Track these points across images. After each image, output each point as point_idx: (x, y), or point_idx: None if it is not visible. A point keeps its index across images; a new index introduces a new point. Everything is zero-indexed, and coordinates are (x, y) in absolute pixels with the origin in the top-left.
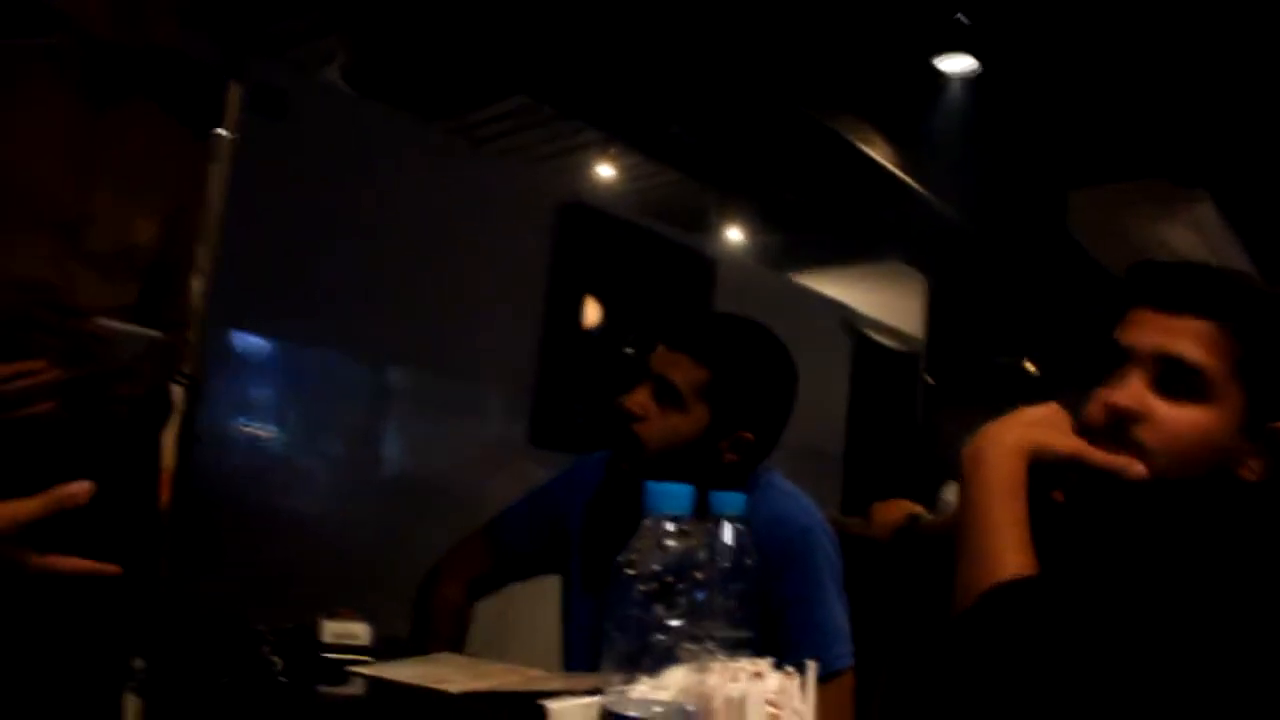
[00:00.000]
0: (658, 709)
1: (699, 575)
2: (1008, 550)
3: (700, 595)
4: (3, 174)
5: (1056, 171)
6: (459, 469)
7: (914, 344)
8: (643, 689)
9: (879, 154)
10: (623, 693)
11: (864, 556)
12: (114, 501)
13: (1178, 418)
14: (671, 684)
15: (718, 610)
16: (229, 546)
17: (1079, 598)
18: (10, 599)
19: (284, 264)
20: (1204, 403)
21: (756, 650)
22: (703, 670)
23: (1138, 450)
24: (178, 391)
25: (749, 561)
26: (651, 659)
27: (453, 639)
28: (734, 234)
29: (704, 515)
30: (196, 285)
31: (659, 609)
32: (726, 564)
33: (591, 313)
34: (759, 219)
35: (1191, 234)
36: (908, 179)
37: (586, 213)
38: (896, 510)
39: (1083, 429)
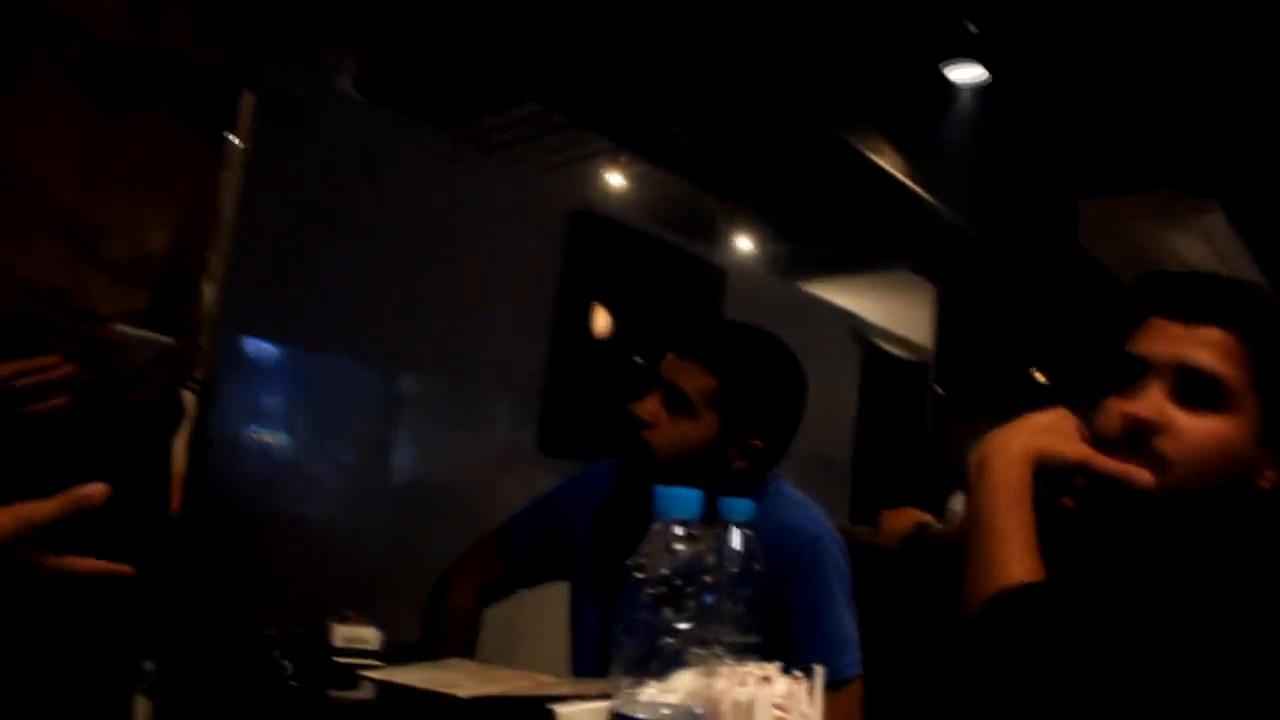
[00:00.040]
0: (666, 712)
1: (707, 579)
2: (1014, 557)
3: (709, 599)
4: (17, 179)
5: (1067, 181)
6: (468, 476)
7: (923, 353)
8: (651, 692)
9: (889, 163)
10: (631, 696)
11: (873, 565)
12: (126, 506)
13: (1198, 428)
14: (680, 687)
15: (726, 615)
16: (239, 551)
17: (1086, 605)
18: (23, 599)
19: (295, 270)
20: (1223, 413)
21: (765, 656)
22: (711, 674)
23: (1157, 462)
24: (189, 397)
25: (757, 567)
26: (660, 662)
27: (463, 645)
28: (743, 243)
29: (712, 521)
30: (208, 291)
31: (668, 613)
32: (735, 569)
33: (601, 321)
34: (768, 228)
35: (1202, 244)
36: (917, 188)
37: (596, 221)
38: (905, 519)
39: (1096, 440)
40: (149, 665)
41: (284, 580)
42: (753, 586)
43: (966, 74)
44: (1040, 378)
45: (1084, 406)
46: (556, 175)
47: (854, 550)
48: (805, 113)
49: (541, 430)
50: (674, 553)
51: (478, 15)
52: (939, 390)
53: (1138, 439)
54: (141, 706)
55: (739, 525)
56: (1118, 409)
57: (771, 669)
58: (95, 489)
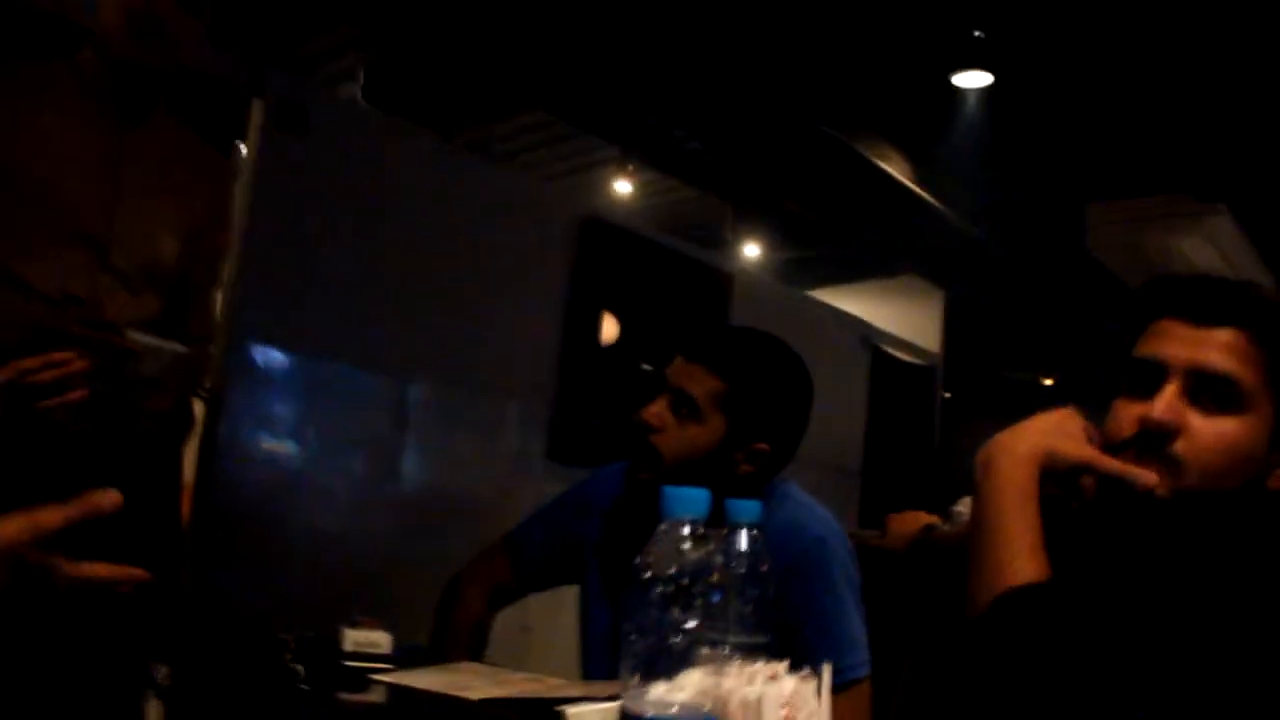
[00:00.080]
0: (674, 710)
1: (715, 579)
2: (1019, 557)
3: (716, 598)
4: (34, 189)
5: (1074, 186)
6: (478, 483)
7: (931, 359)
8: (659, 690)
9: (896, 169)
10: (640, 694)
11: (881, 568)
12: (139, 513)
13: (1213, 430)
14: (688, 686)
15: (733, 615)
16: (249, 559)
17: (1092, 605)
18: (35, 603)
19: (303, 278)
20: (1238, 414)
21: (773, 656)
22: (719, 673)
23: (1173, 465)
24: (199, 407)
25: (764, 567)
26: (668, 661)
27: (473, 650)
28: (751, 250)
29: (719, 524)
30: (218, 300)
31: (675, 611)
32: (742, 570)
33: (610, 328)
34: (776, 235)
35: (1209, 247)
36: (924, 194)
37: (604, 229)
38: (912, 521)
39: (1108, 443)
40: (162, 669)
41: (293, 587)
42: (760, 587)
43: (973, 80)
44: (1048, 382)
45: (1093, 409)
46: (564, 183)
47: (862, 553)
48: (812, 119)
49: (551, 438)
50: (681, 552)
51: (484, 23)
52: (947, 395)
53: (1153, 442)
54: (154, 709)
55: (746, 526)
56: (1132, 412)
57: (779, 667)
58: (108, 496)
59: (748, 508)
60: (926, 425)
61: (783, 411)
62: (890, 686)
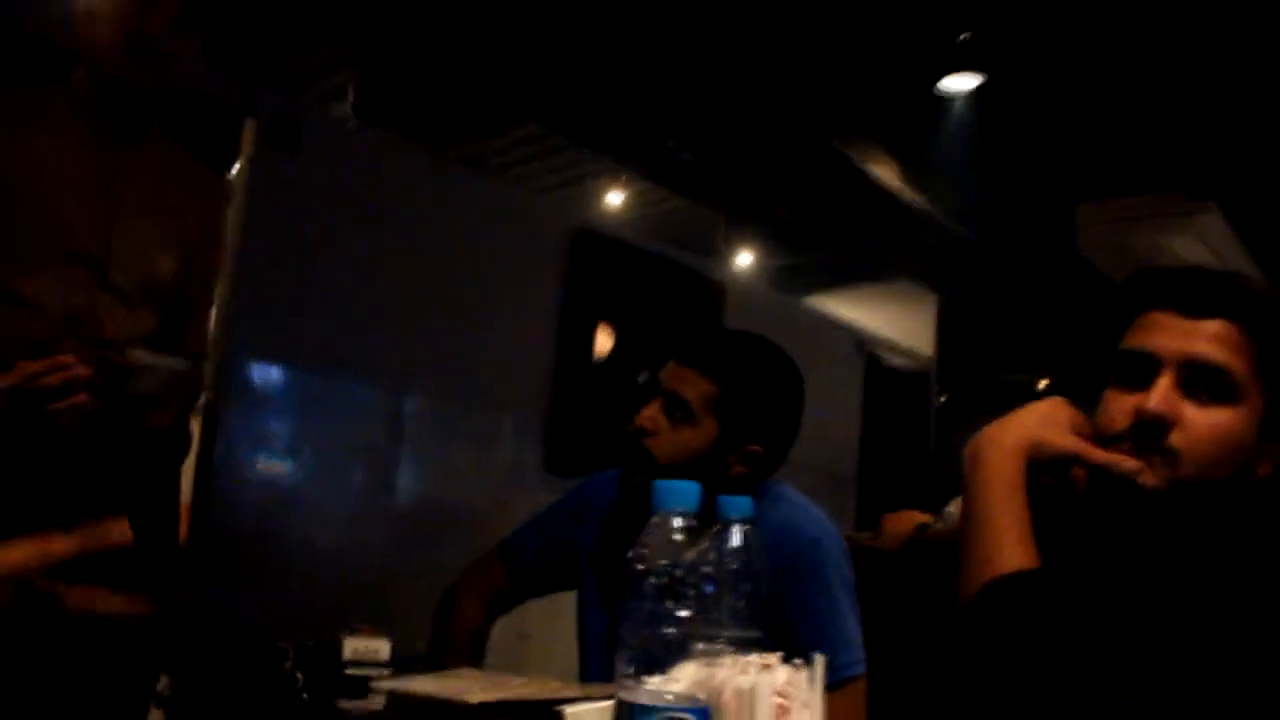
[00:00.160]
0: (669, 699)
1: (708, 571)
2: (1007, 546)
3: (710, 589)
4: (32, 209)
5: (1064, 187)
6: (474, 495)
7: (925, 363)
8: (654, 681)
9: (887, 174)
10: (635, 685)
11: (875, 568)
12: (140, 530)
13: (1206, 421)
14: (682, 677)
15: (726, 610)
16: (246, 577)
17: (1083, 593)
18: (39, 626)
19: (298, 294)
20: (1230, 404)
21: (767, 651)
22: (713, 664)
23: (1168, 455)
24: (195, 425)
25: (757, 564)
26: (662, 653)
27: (471, 658)
28: (744, 258)
29: (712, 523)
30: (213, 316)
31: (669, 603)
32: (735, 566)
33: (604, 339)
34: (769, 242)
35: (1200, 246)
36: (915, 198)
37: (597, 240)
38: (906, 521)
39: (1101, 435)
40: (164, 682)
41: (291, 602)
42: (753, 582)
43: (963, 84)
44: (1043, 384)
45: (1088, 408)
46: (556, 195)
47: (856, 553)
48: (802, 127)
49: (546, 449)
50: (674, 544)
51: (475, 39)
52: (942, 399)
53: (1148, 433)
54: (155, 719)
55: (738, 522)
56: (1124, 403)
57: (773, 658)
58: (119, 528)
59: (740, 504)
60: (921, 430)
61: (775, 413)
62: (886, 685)
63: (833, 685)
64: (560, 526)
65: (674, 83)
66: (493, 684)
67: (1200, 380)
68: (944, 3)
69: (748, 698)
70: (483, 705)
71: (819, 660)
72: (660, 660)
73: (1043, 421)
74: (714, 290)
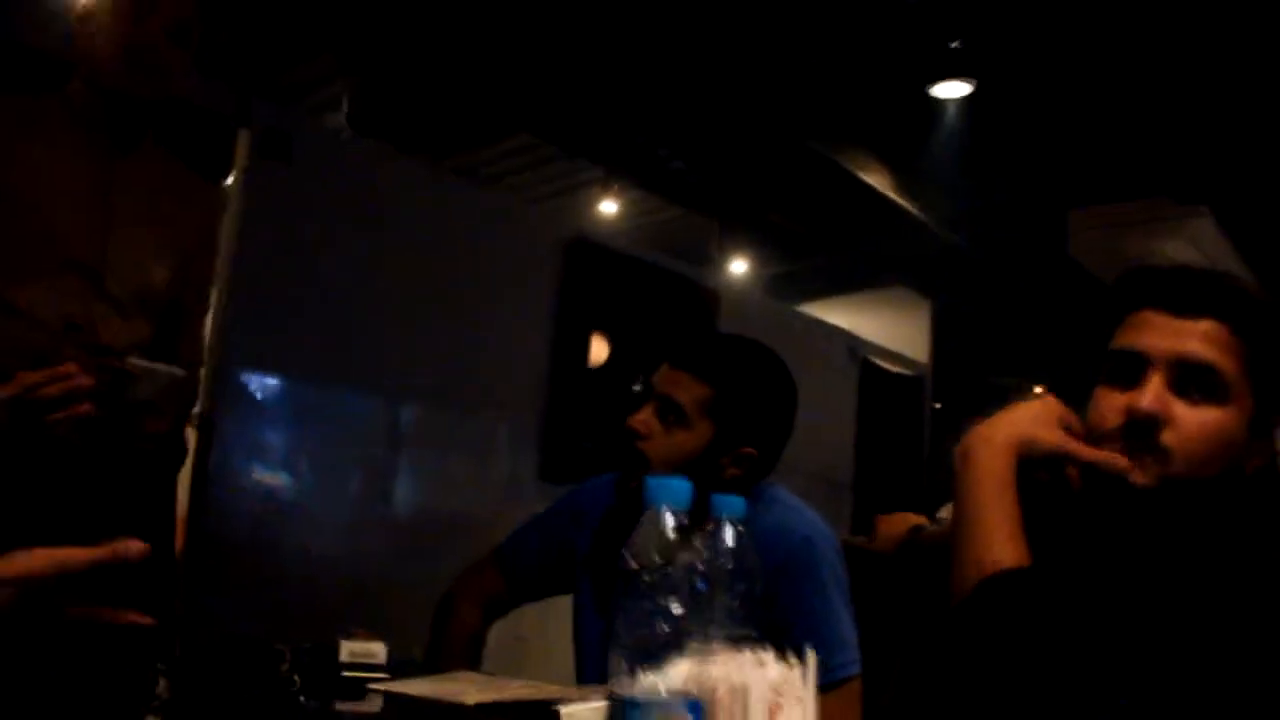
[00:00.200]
0: (662, 694)
1: (700, 567)
2: (998, 543)
3: (703, 586)
4: (28, 218)
5: (1056, 193)
6: (470, 504)
7: (920, 369)
8: (648, 677)
9: (879, 181)
10: (628, 680)
11: (870, 570)
12: (139, 537)
13: (1197, 419)
14: (676, 673)
15: (720, 609)
16: (242, 586)
17: (1075, 590)
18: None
19: (291, 303)
20: (1220, 403)
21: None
22: (706, 660)
23: (1161, 454)
24: (190, 434)
25: (750, 563)
26: (656, 649)
27: (469, 661)
28: (738, 265)
29: (705, 522)
30: (208, 325)
31: (661, 599)
32: (729, 565)
33: (598, 347)
34: (762, 250)
35: (1192, 250)
36: (908, 205)
37: (591, 249)
38: (900, 523)
39: (1092, 433)
40: (160, 682)
41: (287, 611)
42: (746, 581)
43: (954, 90)
44: (1037, 389)
45: (1081, 409)
46: (550, 205)
47: (851, 556)
48: (794, 134)
49: (542, 457)
50: (666, 540)
51: (467, 50)
52: (936, 404)
53: (1140, 432)
54: None
55: (730, 521)
56: (1115, 402)
57: (767, 655)
58: (135, 545)
59: (732, 503)
60: (916, 436)
61: (768, 416)
62: (881, 685)
63: (828, 686)
64: (557, 529)
65: (665, 91)
66: (490, 686)
67: (1191, 379)
68: (935, 10)
69: (741, 693)
70: (479, 706)
71: (812, 656)
72: (654, 656)
73: (1034, 419)
74: (708, 298)
